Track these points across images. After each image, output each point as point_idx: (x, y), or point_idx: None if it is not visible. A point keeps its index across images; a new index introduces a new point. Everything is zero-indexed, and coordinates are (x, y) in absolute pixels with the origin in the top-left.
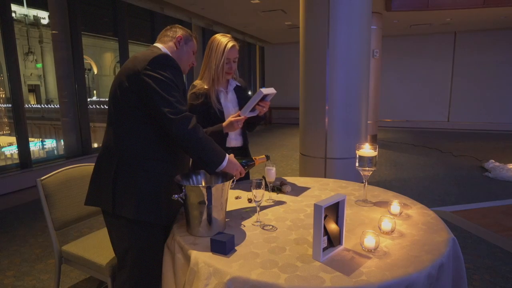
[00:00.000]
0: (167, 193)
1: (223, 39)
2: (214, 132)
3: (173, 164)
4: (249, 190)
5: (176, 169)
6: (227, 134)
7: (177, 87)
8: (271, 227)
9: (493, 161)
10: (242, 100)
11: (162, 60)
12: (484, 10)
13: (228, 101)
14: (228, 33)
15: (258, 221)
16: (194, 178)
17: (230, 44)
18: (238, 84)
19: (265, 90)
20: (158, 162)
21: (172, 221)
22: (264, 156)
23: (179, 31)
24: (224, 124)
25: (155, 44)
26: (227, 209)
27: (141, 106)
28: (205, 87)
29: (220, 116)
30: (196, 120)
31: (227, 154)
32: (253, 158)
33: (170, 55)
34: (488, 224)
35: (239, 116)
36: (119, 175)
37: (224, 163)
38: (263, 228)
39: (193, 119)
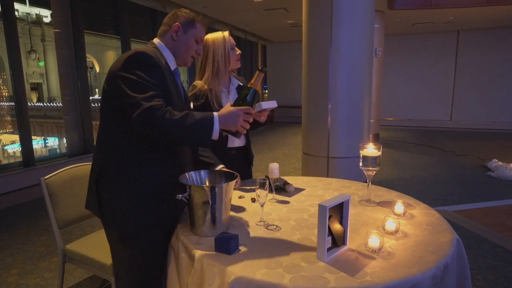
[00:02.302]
0: (152, 200)
1: (216, 34)
2: None
3: (158, 170)
4: (252, 190)
5: (163, 175)
6: (226, 137)
7: (152, 86)
8: (275, 227)
9: (496, 160)
10: None
11: (135, 59)
12: (487, 8)
13: (230, 101)
14: (230, 31)
15: (261, 221)
16: (198, 177)
17: (226, 33)
18: (240, 83)
19: (265, 104)
20: (141, 168)
21: (160, 229)
22: (257, 72)
23: (178, 19)
24: None
25: (153, 39)
26: (231, 209)
27: (118, 112)
28: (206, 87)
29: None
30: (164, 107)
31: (214, 113)
32: (249, 85)
33: (149, 51)
34: (491, 224)
35: None
36: (101, 181)
37: (216, 125)
38: (267, 228)
39: (159, 107)
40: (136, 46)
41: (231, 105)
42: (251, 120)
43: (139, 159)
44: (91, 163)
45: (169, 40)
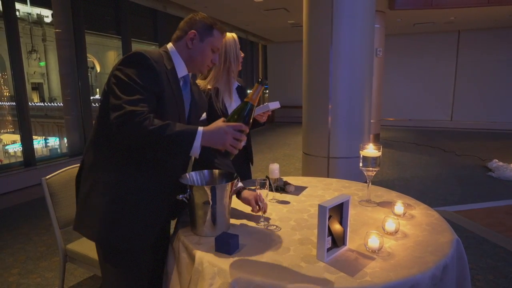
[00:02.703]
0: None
1: (227, 35)
2: None
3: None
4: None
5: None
6: None
7: (140, 89)
8: (275, 227)
9: (496, 160)
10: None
11: (129, 58)
12: (488, 8)
13: (233, 101)
14: (231, 32)
15: (262, 221)
16: (198, 178)
17: (234, 34)
18: (239, 84)
19: (272, 105)
20: (141, 167)
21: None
22: (256, 85)
23: (194, 25)
24: None
25: (168, 44)
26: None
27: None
28: (209, 87)
29: (224, 117)
30: (146, 114)
31: (199, 128)
32: (246, 100)
33: (150, 53)
34: (491, 224)
35: None
36: (81, 183)
37: (197, 142)
38: (267, 228)
39: (140, 113)
40: (136, 46)
41: (224, 121)
42: (243, 138)
43: (139, 159)
44: None
45: (183, 47)
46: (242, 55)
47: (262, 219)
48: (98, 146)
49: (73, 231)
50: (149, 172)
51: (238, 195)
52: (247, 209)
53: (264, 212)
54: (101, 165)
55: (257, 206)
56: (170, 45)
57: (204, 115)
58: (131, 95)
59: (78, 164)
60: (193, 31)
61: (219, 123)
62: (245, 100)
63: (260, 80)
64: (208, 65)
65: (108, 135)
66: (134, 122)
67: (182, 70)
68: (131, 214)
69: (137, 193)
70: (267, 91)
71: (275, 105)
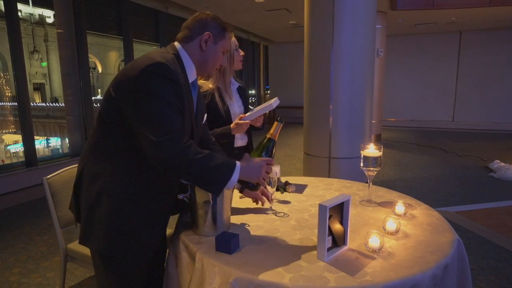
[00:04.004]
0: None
1: None
2: (222, 134)
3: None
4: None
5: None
6: (233, 136)
7: (168, 104)
8: (283, 214)
9: (498, 161)
10: (245, 100)
11: (155, 72)
12: (490, 9)
13: (233, 101)
14: (233, 32)
15: (270, 210)
16: None
17: (232, 35)
18: (239, 84)
19: (275, 103)
20: (142, 167)
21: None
22: (276, 123)
23: (208, 26)
24: (232, 126)
25: (174, 43)
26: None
27: (125, 121)
28: (211, 86)
29: (226, 116)
30: (188, 140)
31: (237, 163)
32: (268, 136)
33: (169, 62)
34: (493, 225)
35: (243, 120)
36: (82, 193)
37: (235, 176)
38: (276, 215)
39: (180, 140)
40: (138, 47)
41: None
42: (271, 171)
43: (142, 164)
44: None
45: (195, 49)
46: (243, 53)
47: (270, 210)
48: (100, 154)
49: (74, 230)
50: (152, 175)
51: (242, 191)
52: (247, 209)
53: (270, 200)
54: (105, 175)
55: (263, 198)
56: (178, 46)
57: (204, 118)
58: (165, 113)
59: None
60: (207, 32)
61: (250, 158)
62: (268, 137)
63: (279, 118)
64: (217, 68)
65: (111, 141)
66: (179, 147)
67: (192, 75)
68: (136, 219)
69: (142, 197)
70: (269, 91)
71: (276, 103)
